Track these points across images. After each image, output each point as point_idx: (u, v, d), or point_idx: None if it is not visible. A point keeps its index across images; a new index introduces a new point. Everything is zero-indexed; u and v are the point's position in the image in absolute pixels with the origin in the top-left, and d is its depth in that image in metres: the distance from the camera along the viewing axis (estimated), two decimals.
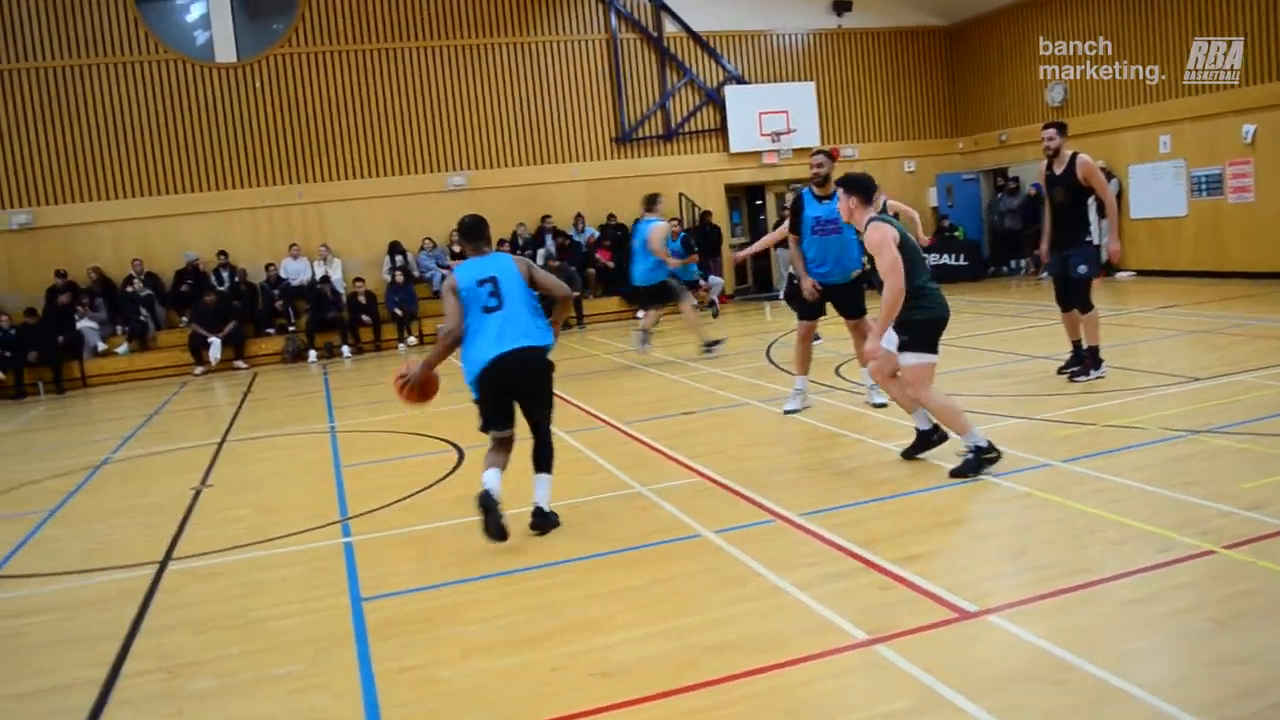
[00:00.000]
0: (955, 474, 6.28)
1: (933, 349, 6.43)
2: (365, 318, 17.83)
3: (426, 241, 19.42)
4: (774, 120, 21.29)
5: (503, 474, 5.88)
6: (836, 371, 10.60)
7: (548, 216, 19.90)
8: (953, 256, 20.88)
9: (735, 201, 22.60)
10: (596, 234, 20.11)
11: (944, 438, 6.72)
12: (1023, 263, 20.97)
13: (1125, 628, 3.99)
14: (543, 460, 6.02)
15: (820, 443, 7.63)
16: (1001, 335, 12.44)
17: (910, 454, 6.82)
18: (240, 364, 17.13)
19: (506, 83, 20.14)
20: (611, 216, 20.27)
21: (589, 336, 15.55)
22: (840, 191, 6.75)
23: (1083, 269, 8.90)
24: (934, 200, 22.77)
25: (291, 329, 17.86)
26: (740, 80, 21.54)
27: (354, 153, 19.33)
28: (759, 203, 22.87)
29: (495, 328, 5.78)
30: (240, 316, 17.34)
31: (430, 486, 7.40)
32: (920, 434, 6.78)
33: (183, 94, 18.41)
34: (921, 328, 6.36)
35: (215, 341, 16.77)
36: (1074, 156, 8.73)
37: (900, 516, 5.66)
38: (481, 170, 20.03)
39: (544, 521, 6.02)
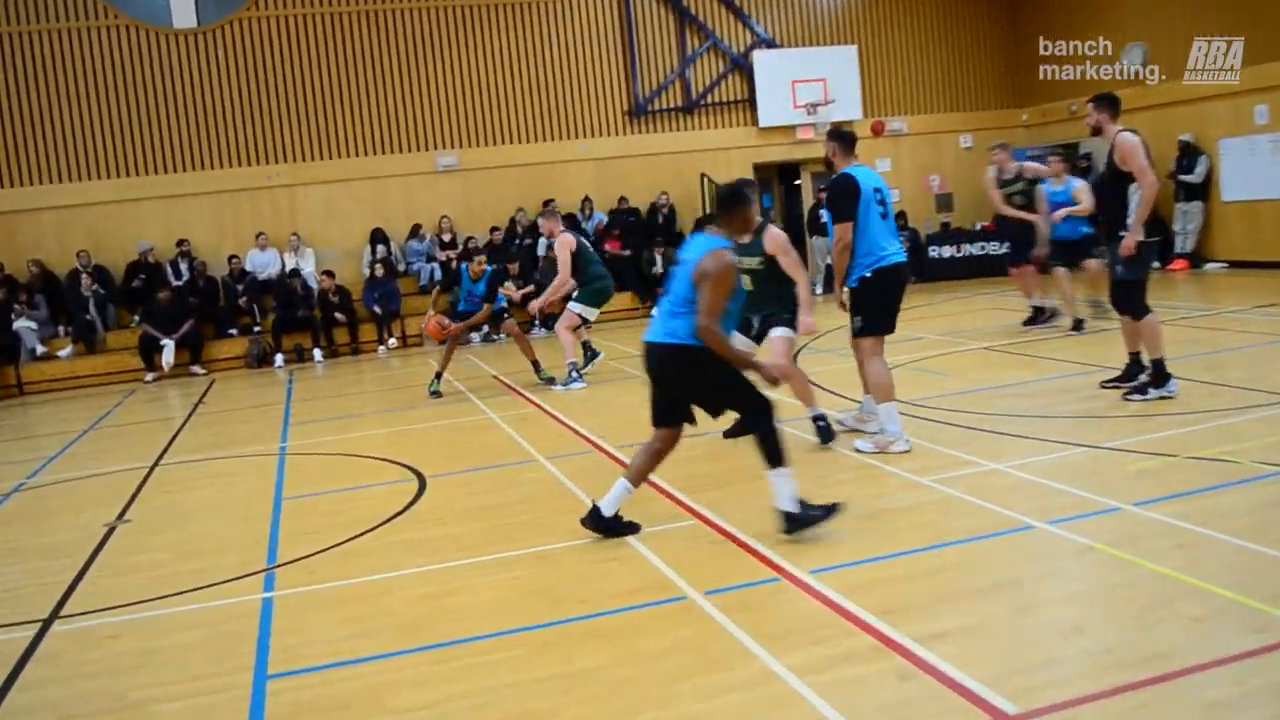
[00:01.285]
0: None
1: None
2: (339, 316, 17.47)
3: (418, 228, 19.03)
4: (809, 90, 20.74)
5: (631, 491, 6.12)
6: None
7: (550, 200, 19.40)
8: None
9: (765, 183, 22.08)
10: (605, 220, 19.65)
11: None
12: (1095, 252, 20.28)
13: None
14: (764, 455, 5.82)
15: (846, 476, 7.14)
16: (1064, 341, 11.87)
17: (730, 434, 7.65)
18: (197, 369, 16.81)
19: (504, 49, 19.73)
20: (623, 200, 19.82)
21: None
22: None
23: (1119, 269, 8.37)
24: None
25: (257, 329, 17.54)
26: (771, 44, 21.02)
27: (331, 129, 18.98)
28: (795, 183, 22.34)
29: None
30: (198, 315, 17.01)
31: (379, 526, 6.97)
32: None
33: (136, 64, 18.11)
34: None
35: (169, 344, 16.43)
36: (1118, 134, 8.26)
37: (931, 577, 5.15)
38: (475, 148, 19.65)
39: (789, 523, 5.80)
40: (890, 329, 7.69)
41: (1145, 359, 8.52)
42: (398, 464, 8.78)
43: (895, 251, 7.55)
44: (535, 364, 12.15)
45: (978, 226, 21.13)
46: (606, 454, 8.40)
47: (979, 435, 7.82)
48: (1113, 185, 8.44)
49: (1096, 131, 8.51)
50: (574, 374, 11.74)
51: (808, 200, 21.61)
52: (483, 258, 12.19)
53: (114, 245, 17.92)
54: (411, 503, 7.50)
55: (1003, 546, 5.50)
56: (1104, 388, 8.90)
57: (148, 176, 18.17)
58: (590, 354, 12.30)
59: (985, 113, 22.41)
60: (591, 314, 11.86)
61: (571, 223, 19.25)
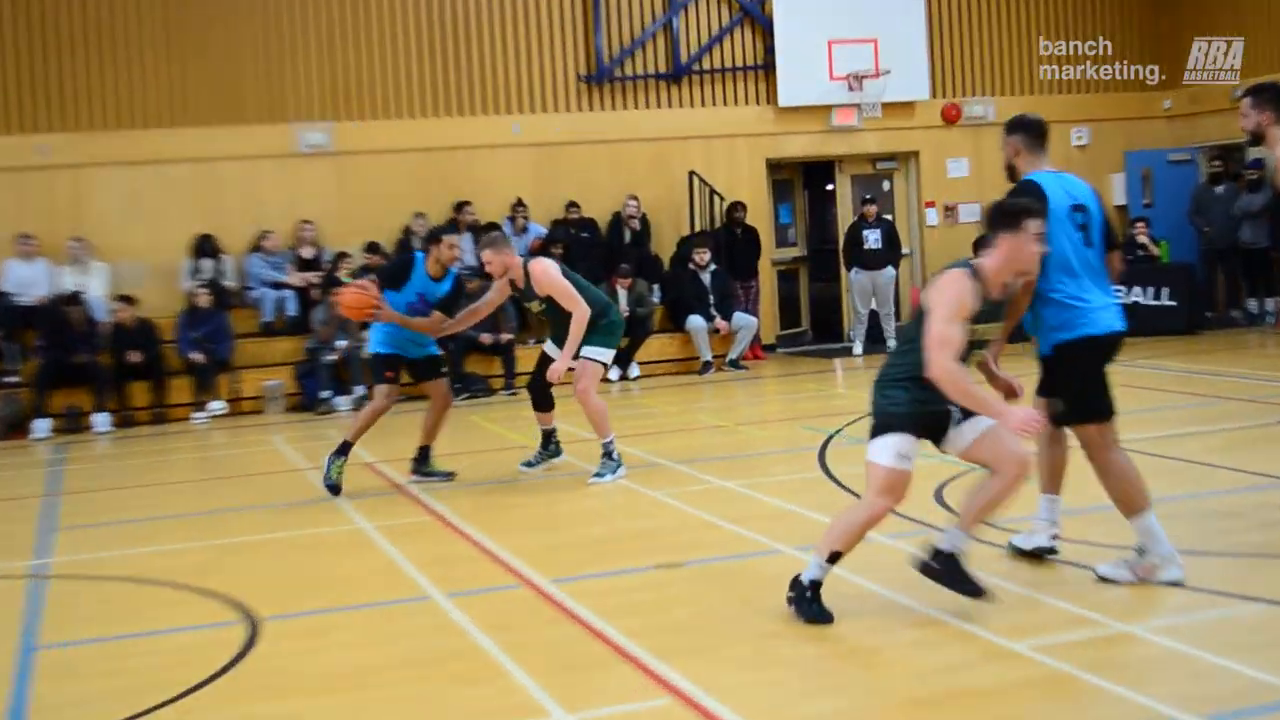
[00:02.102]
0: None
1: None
2: (133, 357, 17.43)
3: (265, 237, 19.05)
4: (854, 54, 21.08)
5: None
6: (938, 497, 10.01)
7: (466, 204, 19.55)
8: (1150, 292, 20.31)
9: (784, 188, 22.24)
10: (544, 232, 19.64)
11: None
12: (1272, 303, 20.45)
13: None
14: None
15: (905, 637, 7.05)
16: (1231, 436, 11.92)
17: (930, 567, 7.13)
18: None
19: None
20: (573, 206, 19.97)
21: (519, 410, 14.98)
22: None
23: None
24: (1121, 195, 22.37)
25: (12, 379, 17.48)
26: None
27: (138, 85, 19.14)
28: (829, 188, 22.43)
29: None
30: None
31: (186, 694, 6.78)
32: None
33: None
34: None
35: None
36: None
37: None
38: (357, 122, 19.94)
39: None
40: (1112, 410, 7.72)
41: None
42: (218, 596, 8.62)
43: (1104, 307, 7.65)
44: (425, 450, 12.02)
45: None
46: (537, 590, 8.28)
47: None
48: None
49: (1256, 138, 8.54)
50: (614, 455, 11.62)
51: (845, 215, 21.73)
52: (455, 238, 11.92)
53: None
54: (237, 658, 7.34)
55: None
56: None
57: None
58: (550, 451, 12.15)
59: (1107, 95, 22.82)
60: (609, 358, 11.88)
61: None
